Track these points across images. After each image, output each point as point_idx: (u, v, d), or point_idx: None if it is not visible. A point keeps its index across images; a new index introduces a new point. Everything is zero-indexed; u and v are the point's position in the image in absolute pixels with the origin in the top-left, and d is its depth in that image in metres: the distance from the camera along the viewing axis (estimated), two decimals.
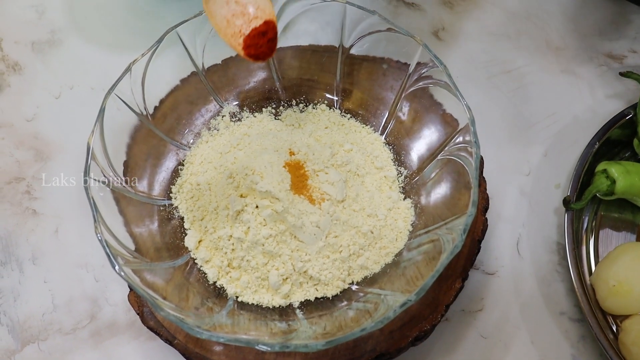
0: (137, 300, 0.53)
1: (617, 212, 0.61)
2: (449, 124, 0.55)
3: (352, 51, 0.61)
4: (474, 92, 0.69)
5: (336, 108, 0.62)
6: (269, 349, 0.42)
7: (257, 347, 0.42)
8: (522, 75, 0.71)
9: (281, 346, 0.42)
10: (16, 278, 0.60)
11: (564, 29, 0.75)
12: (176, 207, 0.57)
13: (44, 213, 0.64)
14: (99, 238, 0.46)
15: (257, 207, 0.51)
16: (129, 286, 0.53)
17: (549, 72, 0.71)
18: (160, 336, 0.51)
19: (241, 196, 0.52)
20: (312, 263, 0.51)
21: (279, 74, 0.63)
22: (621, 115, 0.63)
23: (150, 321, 0.52)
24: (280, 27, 0.60)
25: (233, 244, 0.52)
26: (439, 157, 0.55)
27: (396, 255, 0.53)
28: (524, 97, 0.70)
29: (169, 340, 0.51)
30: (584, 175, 0.60)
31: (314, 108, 0.62)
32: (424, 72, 0.56)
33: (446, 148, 0.54)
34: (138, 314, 0.52)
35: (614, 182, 0.57)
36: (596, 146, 0.61)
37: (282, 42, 0.62)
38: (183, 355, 0.51)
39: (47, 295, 0.59)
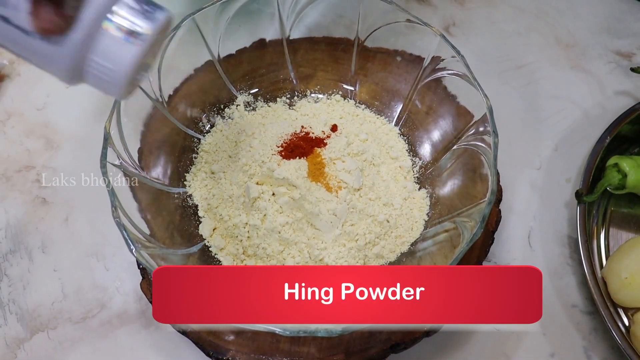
0: (149, 288, 0.52)
1: (627, 207, 0.61)
2: (463, 116, 0.55)
3: (366, 43, 0.61)
4: (485, 87, 0.67)
5: (350, 99, 0.62)
6: (287, 332, 0.42)
7: (276, 331, 0.41)
8: (532, 72, 0.72)
9: (298, 330, 0.42)
10: (25, 266, 0.59)
11: (573, 26, 0.75)
12: (190, 195, 0.56)
13: (54, 202, 0.63)
14: (117, 222, 0.45)
15: (273, 194, 0.51)
16: (141, 273, 0.53)
17: (558, 69, 0.72)
18: (173, 325, 0.51)
19: (257, 184, 0.52)
20: (328, 251, 0.51)
21: (293, 65, 0.63)
22: (631, 110, 0.63)
23: None
24: (295, 19, 0.61)
25: (249, 231, 0.52)
26: (454, 147, 0.55)
27: (412, 245, 0.53)
28: (534, 93, 0.70)
29: (182, 329, 0.50)
30: (595, 170, 0.60)
31: (328, 98, 0.62)
32: (439, 64, 0.56)
33: (462, 139, 0.54)
34: (151, 302, 0.52)
35: (625, 175, 0.58)
36: (607, 141, 0.61)
37: (296, 34, 0.62)
38: (196, 344, 0.50)
39: (56, 284, 0.58)
